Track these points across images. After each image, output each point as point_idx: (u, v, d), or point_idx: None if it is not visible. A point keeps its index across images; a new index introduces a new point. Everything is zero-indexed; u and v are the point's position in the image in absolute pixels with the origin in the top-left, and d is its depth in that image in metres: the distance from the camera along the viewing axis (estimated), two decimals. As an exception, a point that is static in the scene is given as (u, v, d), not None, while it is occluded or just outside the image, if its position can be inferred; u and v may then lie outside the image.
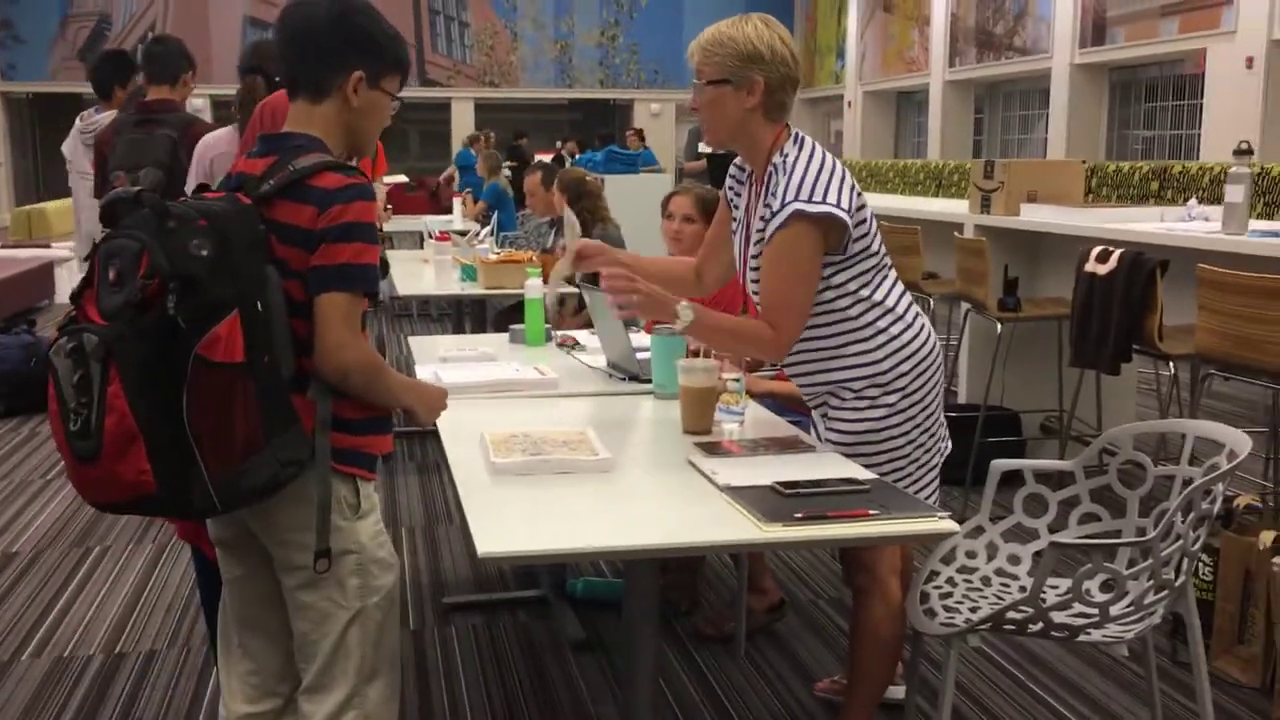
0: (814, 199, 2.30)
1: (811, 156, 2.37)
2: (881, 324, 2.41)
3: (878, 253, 2.43)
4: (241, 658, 2.04)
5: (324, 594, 1.91)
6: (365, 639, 1.95)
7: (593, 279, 2.72)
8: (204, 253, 1.68)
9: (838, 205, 2.31)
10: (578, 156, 14.21)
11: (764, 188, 2.41)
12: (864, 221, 2.39)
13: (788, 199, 2.31)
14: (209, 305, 1.67)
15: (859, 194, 2.38)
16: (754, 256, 2.43)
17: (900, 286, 2.49)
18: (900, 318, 2.43)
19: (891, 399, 2.41)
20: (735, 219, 2.60)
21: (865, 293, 2.41)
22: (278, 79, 3.05)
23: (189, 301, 1.65)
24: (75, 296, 1.74)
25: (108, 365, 1.64)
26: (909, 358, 2.42)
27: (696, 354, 2.50)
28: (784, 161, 2.37)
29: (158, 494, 1.67)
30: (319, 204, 1.80)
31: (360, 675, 1.95)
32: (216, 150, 3.33)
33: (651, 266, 2.89)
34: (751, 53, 2.35)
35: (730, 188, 2.62)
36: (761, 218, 2.39)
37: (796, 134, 2.43)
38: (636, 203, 5.82)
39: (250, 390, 1.71)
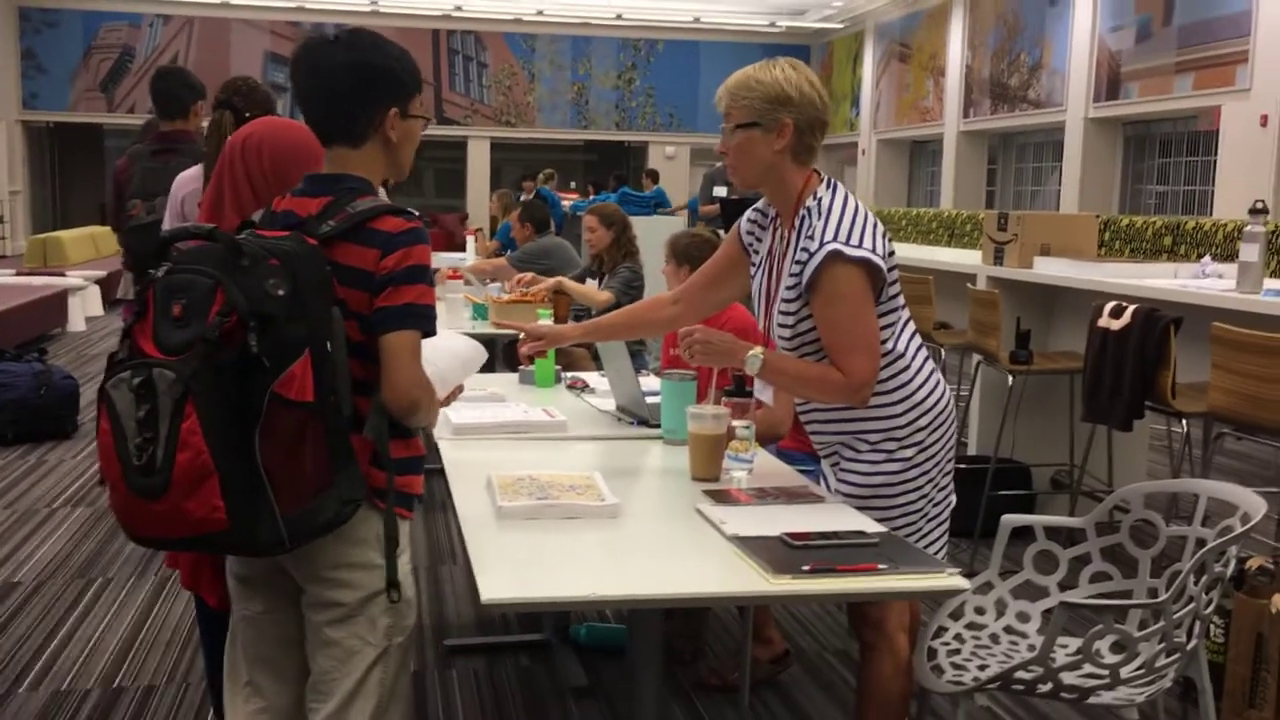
0: (851, 242, 2.29)
1: (846, 202, 2.37)
2: (902, 377, 2.40)
3: (900, 305, 2.43)
4: (251, 695, 2.01)
5: (354, 631, 1.90)
6: (385, 679, 1.93)
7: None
8: (280, 292, 1.70)
9: (874, 251, 2.30)
10: (593, 197, 14.28)
11: (795, 231, 2.40)
12: (893, 270, 2.39)
13: (826, 240, 2.30)
14: (285, 344, 1.69)
15: (890, 241, 2.38)
16: (786, 300, 2.41)
17: (918, 339, 2.48)
18: (918, 371, 2.42)
19: (908, 453, 2.39)
20: (754, 263, 2.59)
21: (888, 345, 2.39)
22: (248, 114, 3.07)
23: (267, 340, 1.66)
24: (128, 330, 1.73)
25: (183, 401, 1.63)
26: (926, 412, 2.40)
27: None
28: (818, 205, 2.36)
29: (227, 531, 1.66)
30: (382, 247, 1.83)
31: (375, 715, 1.93)
32: (187, 188, 3.30)
33: (618, 319, 2.91)
34: (780, 95, 2.35)
35: (749, 231, 2.60)
36: (797, 260, 2.37)
37: (829, 179, 2.43)
38: (645, 244, 5.84)
39: (319, 429, 1.73)
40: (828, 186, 2.40)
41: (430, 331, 1.89)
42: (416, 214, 1.90)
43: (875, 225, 2.35)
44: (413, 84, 1.97)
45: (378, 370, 1.86)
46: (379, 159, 1.95)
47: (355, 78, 1.90)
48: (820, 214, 2.34)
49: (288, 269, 1.72)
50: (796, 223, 2.40)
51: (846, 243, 2.29)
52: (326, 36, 1.93)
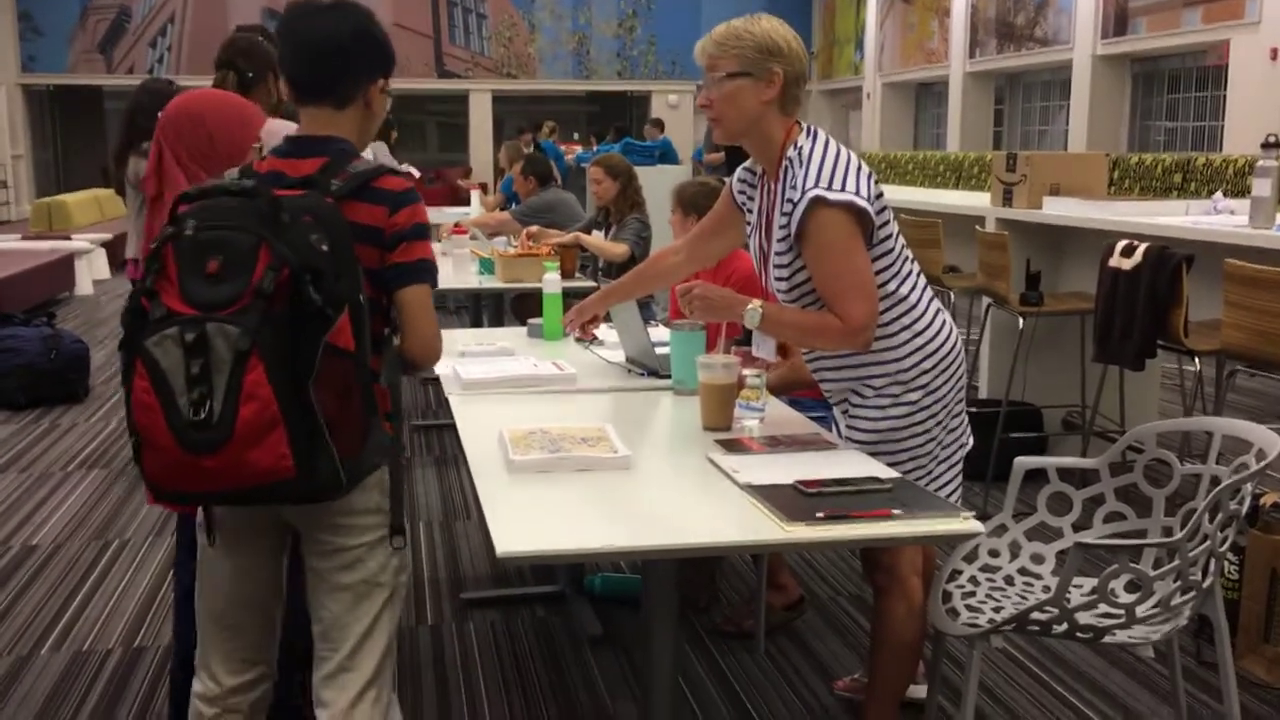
0: (833, 187, 2.28)
1: (827, 147, 2.36)
2: (904, 320, 2.39)
3: (896, 246, 2.41)
4: (230, 636, 2.05)
5: (364, 575, 1.95)
6: (391, 618, 2.00)
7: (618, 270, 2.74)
8: (324, 247, 1.74)
9: (857, 194, 2.29)
10: (596, 148, 14.17)
11: (780, 183, 2.39)
12: (883, 211, 2.37)
13: (807, 187, 2.29)
14: (334, 297, 1.74)
15: (876, 183, 2.36)
16: (779, 253, 2.41)
17: (922, 281, 2.46)
18: (922, 314, 2.41)
19: (914, 396, 2.38)
20: (749, 222, 2.58)
21: (890, 287, 2.38)
22: (250, 74, 3.08)
23: (320, 293, 1.71)
24: (152, 290, 1.73)
25: (246, 354, 1.66)
26: (931, 355, 2.39)
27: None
28: (799, 154, 2.35)
29: (292, 479, 1.70)
30: (390, 204, 1.91)
31: (382, 654, 1.99)
32: None
33: (629, 281, 2.98)
34: (771, 45, 2.35)
35: (740, 191, 2.61)
36: (784, 212, 2.36)
37: (809, 127, 2.41)
38: (650, 194, 5.82)
39: (360, 378, 1.79)
40: (808, 135, 2.40)
41: (436, 285, 1.98)
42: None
43: (859, 168, 2.34)
44: (393, 62, 2.06)
45: (386, 325, 1.95)
46: (356, 124, 2.02)
47: (359, 42, 1.98)
48: (801, 162, 2.34)
49: (322, 225, 1.77)
50: (781, 174, 2.40)
51: (829, 187, 2.28)
52: (324, 2, 1.99)
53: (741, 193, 2.61)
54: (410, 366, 1.99)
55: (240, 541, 2.02)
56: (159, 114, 2.74)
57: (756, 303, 2.38)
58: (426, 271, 1.95)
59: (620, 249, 5.35)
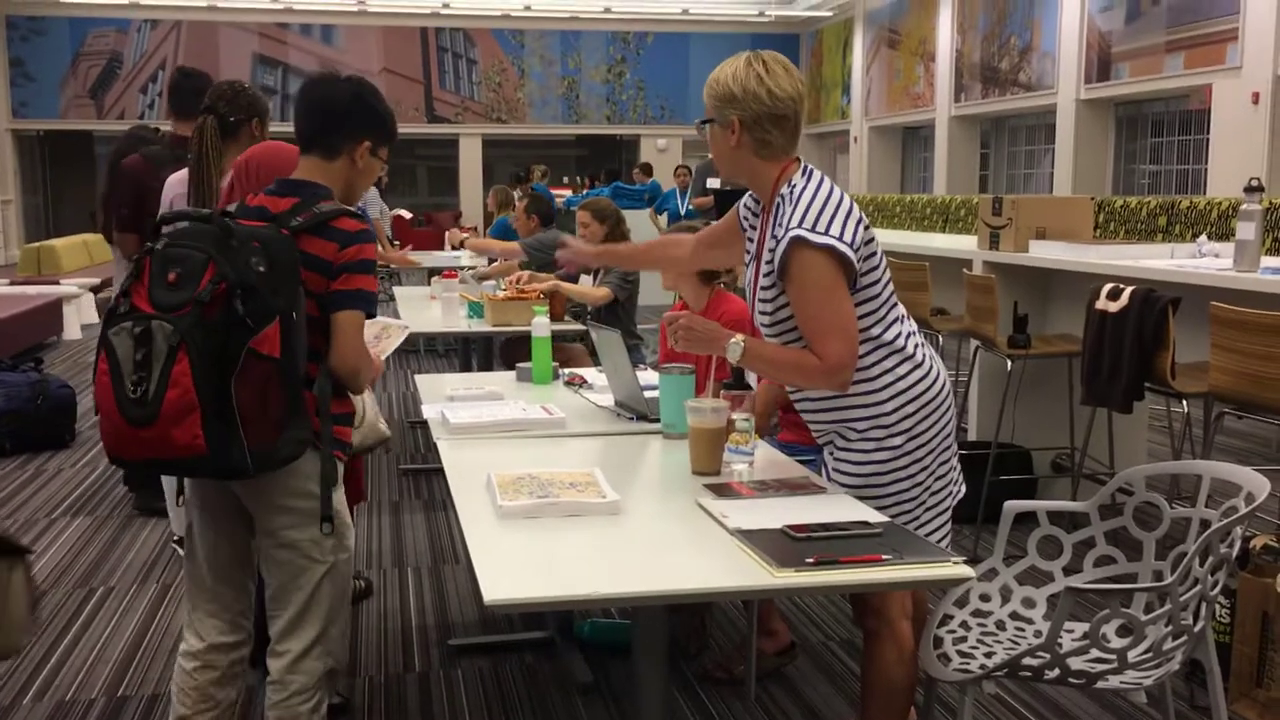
0: (817, 229, 2.29)
1: (819, 188, 2.36)
2: (887, 364, 2.39)
3: (884, 293, 2.41)
4: (211, 600, 2.41)
5: (304, 551, 2.28)
6: (334, 588, 2.32)
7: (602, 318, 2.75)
8: (261, 269, 2.08)
9: (840, 239, 2.29)
10: (586, 192, 14.25)
11: (772, 219, 2.41)
12: (871, 256, 2.38)
13: (791, 226, 2.31)
14: (263, 310, 2.06)
15: (867, 229, 2.37)
16: (764, 288, 2.42)
17: (910, 326, 2.46)
18: (908, 358, 2.41)
19: (897, 441, 2.38)
20: (749, 251, 2.59)
21: (874, 331, 2.39)
22: (232, 119, 3.52)
23: (249, 306, 2.04)
24: (126, 291, 2.09)
25: (177, 349, 2.00)
26: (914, 400, 2.39)
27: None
28: (791, 193, 2.37)
29: (206, 456, 2.03)
30: (341, 242, 2.24)
31: (327, 619, 2.32)
32: (175, 190, 3.67)
33: (636, 249, 3.17)
34: (724, 93, 2.41)
35: (745, 218, 2.65)
36: (770, 249, 2.38)
37: (806, 167, 2.43)
38: (638, 237, 5.84)
39: (281, 382, 2.10)
40: (803, 174, 2.41)
41: (372, 313, 2.31)
42: (365, 215, 2.32)
43: (849, 213, 2.34)
44: (389, 135, 2.41)
45: (327, 341, 2.25)
46: (341, 177, 2.35)
47: (351, 105, 2.36)
48: (791, 201, 2.36)
49: (266, 251, 2.11)
50: (773, 210, 2.41)
51: (813, 229, 2.29)
52: (338, 74, 2.41)
53: (746, 219, 2.64)
54: (336, 379, 2.27)
55: (215, 518, 2.38)
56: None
57: (739, 337, 2.40)
58: (361, 300, 2.26)
59: (601, 292, 5.36)
